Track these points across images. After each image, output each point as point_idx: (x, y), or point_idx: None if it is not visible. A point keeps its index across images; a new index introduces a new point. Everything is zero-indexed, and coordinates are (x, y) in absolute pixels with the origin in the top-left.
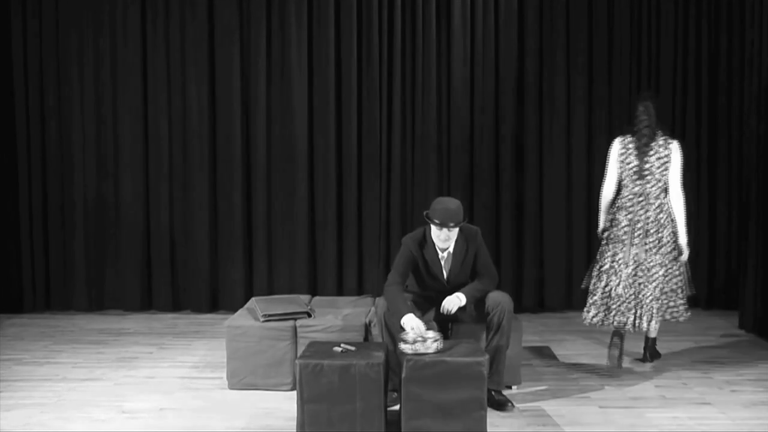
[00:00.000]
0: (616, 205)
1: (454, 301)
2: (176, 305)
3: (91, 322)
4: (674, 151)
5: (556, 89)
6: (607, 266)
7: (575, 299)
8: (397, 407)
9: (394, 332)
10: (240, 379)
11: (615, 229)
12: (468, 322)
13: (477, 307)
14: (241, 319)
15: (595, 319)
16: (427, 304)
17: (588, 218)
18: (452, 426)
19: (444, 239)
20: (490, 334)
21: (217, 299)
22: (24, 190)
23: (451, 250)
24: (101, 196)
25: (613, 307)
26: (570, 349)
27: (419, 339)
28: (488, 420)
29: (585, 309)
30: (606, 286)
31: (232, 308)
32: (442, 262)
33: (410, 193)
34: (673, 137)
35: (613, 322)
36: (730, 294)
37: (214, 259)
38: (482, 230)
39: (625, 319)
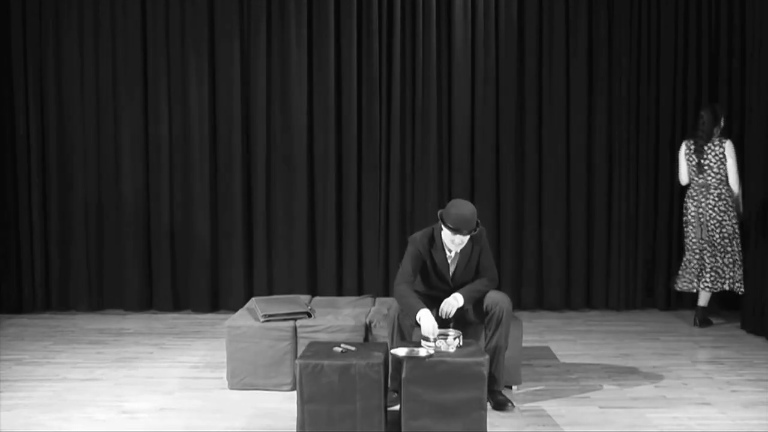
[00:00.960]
0: (686, 194)
1: (452, 303)
2: (176, 305)
3: (91, 322)
4: (727, 148)
5: (555, 90)
6: (686, 244)
7: (575, 299)
8: (397, 407)
9: (407, 335)
10: (240, 379)
11: (686, 214)
12: (469, 321)
13: (476, 306)
14: (241, 319)
15: (678, 287)
16: (430, 305)
17: (588, 218)
18: (452, 426)
19: (458, 243)
20: (488, 334)
21: (217, 299)
22: (24, 191)
23: (458, 249)
24: (101, 196)
25: (689, 276)
26: (570, 349)
27: (441, 336)
28: (488, 420)
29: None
30: (686, 259)
31: (232, 308)
32: (449, 261)
33: (410, 193)
34: (672, 137)
35: (702, 287)
36: (730, 294)
37: (214, 259)
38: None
39: (709, 283)
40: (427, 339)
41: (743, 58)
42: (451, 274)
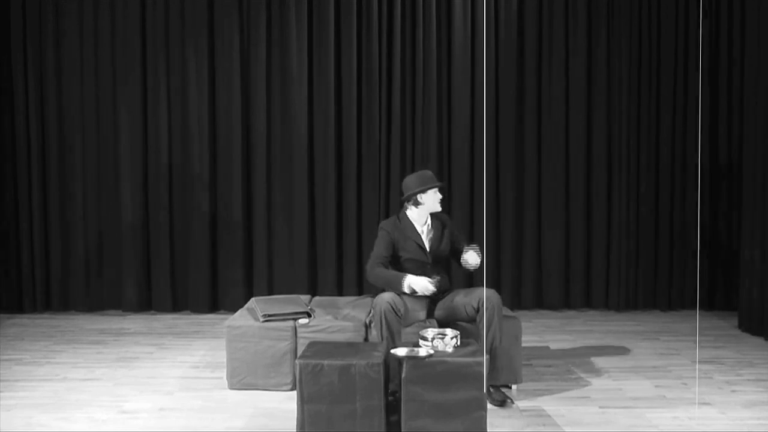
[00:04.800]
0: None
1: (474, 256)
2: (176, 305)
3: (91, 322)
4: None
5: (555, 89)
6: None
7: (575, 299)
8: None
9: (395, 330)
10: (240, 379)
11: None
12: (465, 318)
13: (466, 305)
14: (241, 319)
15: None
16: (419, 302)
17: (587, 218)
18: (452, 426)
19: (440, 200)
20: (485, 332)
21: (217, 299)
22: (24, 191)
23: (430, 224)
24: (101, 196)
25: None
26: (570, 349)
27: (438, 336)
28: (488, 420)
29: None
30: None
31: (232, 308)
32: (422, 235)
33: None
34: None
35: None
36: (730, 294)
37: (214, 259)
38: (482, 229)
39: None
40: (425, 338)
41: (743, 57)
42: (428, 246)
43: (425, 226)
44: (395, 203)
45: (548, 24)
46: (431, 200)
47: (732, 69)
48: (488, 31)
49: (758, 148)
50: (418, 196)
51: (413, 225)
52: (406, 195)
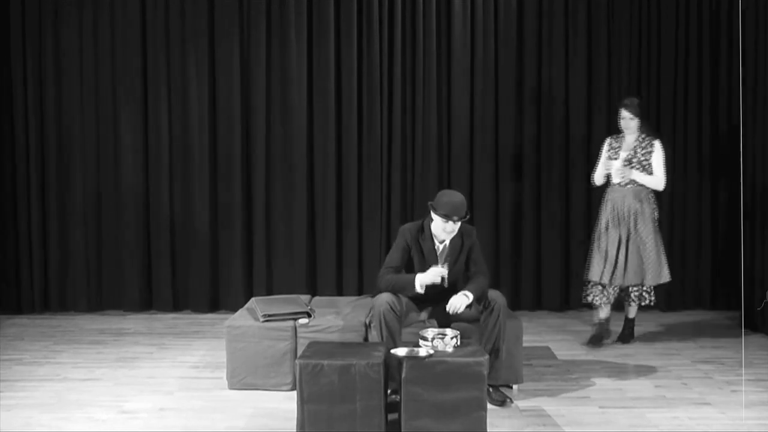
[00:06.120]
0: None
1: (462, 300)
2: (176, 305)
3: (91, 322)
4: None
5: (554, 90)
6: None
7: (573, 298)
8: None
9: (394, 330)
10: (240, 379)
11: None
12: (469, 319)
13: (474, 306)
14: (241, 319)
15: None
16: (422, 304)
17: (587, 217)
18: (452, 426)
19: (450, 231)
20: (486, 332)
21: (217, 299)
22: (22, 191)
23: (447, 243)
24: (100, 196)
25: None
26: (570, 349)
27: (438, 336)
28: (488, 420)
29: None
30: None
31: (232, 308)
32: (438, 253)
33: (410, 193)
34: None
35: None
36: (730, 294)
37: (214, 259)
38: (481, 229)
39: None
40: (425, 338)
41: (743, 53)
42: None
43: (443, 243)
44: (396, 203)
45: (548, 24)
46: (438, 226)
47: (732, 67)
48: (488, 31)
49: (759, 147)
50: (432, 212)
51: (433, 240)
52: (430, 204)
